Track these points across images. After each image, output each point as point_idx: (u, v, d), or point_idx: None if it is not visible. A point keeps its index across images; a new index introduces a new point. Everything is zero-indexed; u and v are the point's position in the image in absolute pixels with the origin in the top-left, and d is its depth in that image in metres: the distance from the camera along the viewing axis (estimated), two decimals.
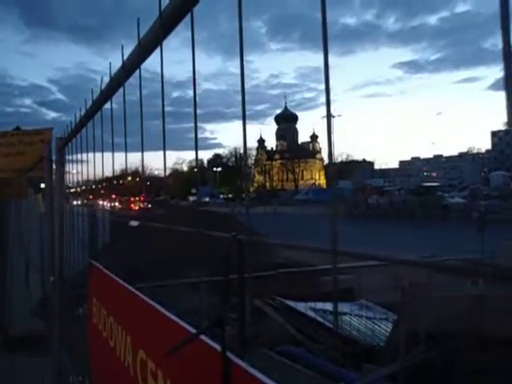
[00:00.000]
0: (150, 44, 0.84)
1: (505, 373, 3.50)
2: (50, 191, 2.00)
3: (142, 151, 1.00)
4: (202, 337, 0.51)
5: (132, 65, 0.93)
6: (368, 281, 6.64)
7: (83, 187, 2.82)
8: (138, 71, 1.02)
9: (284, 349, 4.12)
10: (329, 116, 0.41)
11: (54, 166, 1.99)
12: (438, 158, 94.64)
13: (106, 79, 1.15)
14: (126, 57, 0.97)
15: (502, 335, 3.73)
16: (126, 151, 1.12)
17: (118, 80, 1.02)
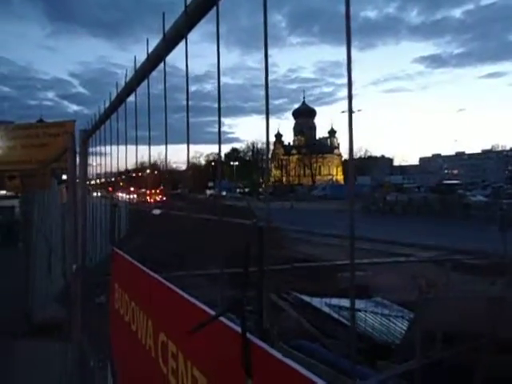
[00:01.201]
0: (174, 37, 0.86)
1: None
2: (73, 182, 2.06)
3: (166, 144, 1.02)
4: (222, 318, 0.53)
5: (157, 57, 0.95)
6: (384, 278, 6.59)
7: (103, 179, 2.89)
8: (161, 64, 1.04)
9: (298, 343, 4.14)
10: (350, 110, 0.42)
11: (77, 158, 2.05)
12: (460, 155, 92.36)
13: (130, 73, 1.18)
14: (149, 50, 1.00)
15: None
16: (149, 144, 1.15)
17: (143, 72, 1.05)
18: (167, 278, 0.85)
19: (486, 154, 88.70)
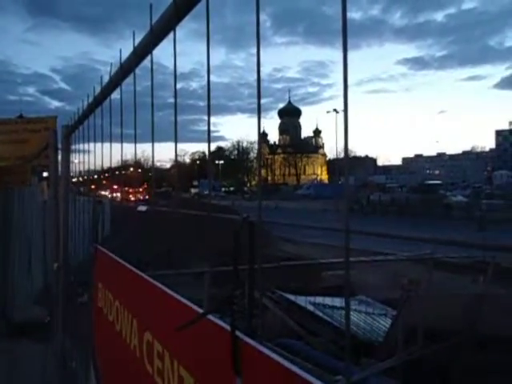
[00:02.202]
0: (162, 28, 0.84)
1: (502, 371, 3.52)
2: (55, 179, 2.01)
3: (153, 142, 1.00)
4: (211, 316, 0.52)
5: (143, 50, 0.93)
6: (367, 277, 6.66)
7: (85, 177, 2.83)
8: (146, 61, 1.02)
9: (283, 342, 4.15)
10: (346, 111, 0.41)
11: (59, 154, 2.00)
12: (441, 155, 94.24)
13: (115, 67, 1.15)
14: (136, 43, 0.98)
15: (501, 334, 3.75)
16: (135, 142, 1.13)
17: (129, 66, 1.03)
18: (152, 277, 0.84)
19: (466, 154, 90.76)
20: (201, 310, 0.56)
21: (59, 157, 1.96)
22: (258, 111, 0.54)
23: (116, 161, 1.66)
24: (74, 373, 1.66)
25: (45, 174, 4.79)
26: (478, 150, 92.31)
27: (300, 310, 5.42)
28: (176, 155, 0.90)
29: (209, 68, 0.66)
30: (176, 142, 0.81)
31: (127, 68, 1.03)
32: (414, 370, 3.63)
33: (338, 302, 5.63)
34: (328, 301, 5.50)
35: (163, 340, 0.70)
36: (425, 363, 3.76)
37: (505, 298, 4.55)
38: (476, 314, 4.02)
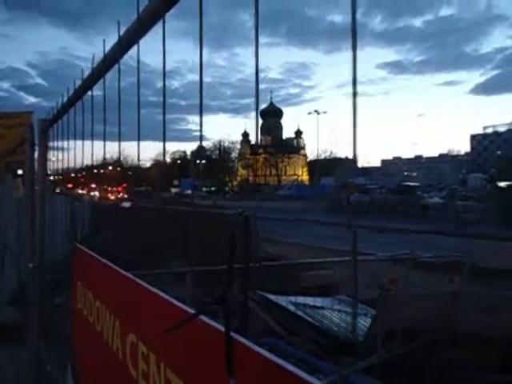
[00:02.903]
0: (150, 18, 0.81)
1: (477, 368, 3.61)
2: (31, 175, 1.94)
3: (139, 140, 0.97)
4: (201, 316, 0.50)
5: (129, 40, 0.90)
6: (347, 277, 6.73)
7: (61, 176, 2.74)
8: (127, 55, 0.99)
9: (264, 341, 4.14)
10: (355, 111, 0.40)
11: (36, 150, 1.93)
12: (418, 158, 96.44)
13: (96, 60, 1.11)
14: (120, 35, 0.94)
15: (476, 331, 3.84)
16: (119, 139, 1.09)
17: (113, 57, 0.99)
18: (136, 276, 0.81)
19: (443, 157, 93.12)
20: (189, 310, 0.54)
21: (36, 153, 1.89)
22: (256, 109, 0.52)
23: (95, 159, 1.61)
24: (50, 377, 1.59)
25: (19, 172, 4.63)
26: (454, 153, 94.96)
27: (281, 310, 5.43)
28: (164, 154, 0.87)
29: (201, 66, 0.64)
30: (164, 143, 0.79)
31: (111, 59, 0.99)
32: (393, 368, 3.68)
33: (318, 301, 5.67)
34: (309, 301, 5.53)
35: (149, 342, 0.67)
36: (403, 361, 3.82)
37: (479, 297, 4.67)
38: (452, 313, 4.11)
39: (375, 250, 6.90)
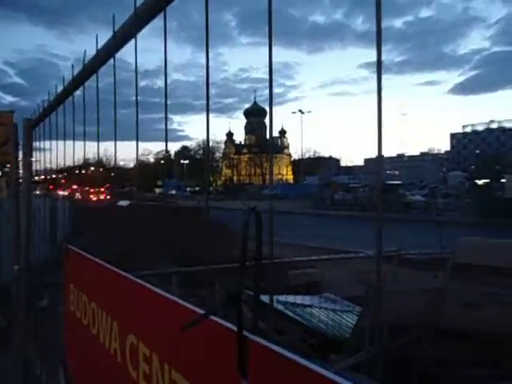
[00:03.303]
0: (147, 12, 0.80)
1: (462, 363, 3.69)
2: (15, 175, 1.88)
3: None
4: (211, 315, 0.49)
5: (125, 34, 0.88)
6: (332, 274, 6.79)
7: (42, 177, 2.69)
8: (109, 56, 0.97)
9: None
10: (380, 108, 0.40)
11: (19, 150, 1.88)
12: (400, 157, 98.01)
13: (86, 57, 1.09)
14: (114, 30, 0.92)
15: (460, 327, 3.93)
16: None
17: (107, 51, 0.96)
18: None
19: (424, 156, 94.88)
20: (195, 309, 0.53)
21: (20, 152, 1.84)
22: (270, 106, 0.51)
23: (76, 159, 1.58)
24: (39, 380, 1.55)
25: None
26: (435, 151, 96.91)
27: (268, 308, 5.44)
28: (167, 149, 0.86)
29: (207, 71, 0.63)
30: (167, 143, 0.77)
31: (105, 55, 0.96)
32: (381, 363, 3.73)
33: (306, 300, 5.69)
34: (297, 299, 5.56)
35: (151, 342, 0.66)
36: (389, 357, 3.88)
37: (462, 292, 4.78)
38: (437, 308, 4.19)
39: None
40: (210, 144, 79.77)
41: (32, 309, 1.86)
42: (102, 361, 0.84)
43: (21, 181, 1.89)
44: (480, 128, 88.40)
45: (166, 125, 0.72)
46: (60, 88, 1.31)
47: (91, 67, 0.99)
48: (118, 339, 0.79)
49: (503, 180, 29.45)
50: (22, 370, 1.70)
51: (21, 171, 1.85)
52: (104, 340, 0.85)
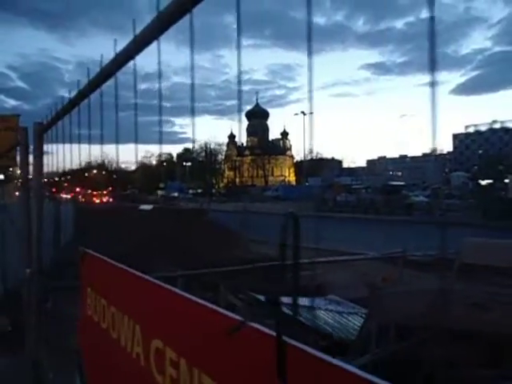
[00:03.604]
0: (171, 15, 0.80)
1: (470, 365, 3.67)
2: (25, 179, 1.89)
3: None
4: (235, 316, 0.49)
5: (148, 37, 0.88)
6: (338, 276, 6.78)
7: (45, 180, 2.70)
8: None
9: None
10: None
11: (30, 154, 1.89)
12: (403, 157, 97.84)
13: (104, 60, 1.09)
14: (135, 34, 0.93)
15: (467, 328, 3.91)
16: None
17: (128, 55, 0.97)
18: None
19: (426, 157, 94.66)
20: (223, 312, 0.53)
21: (30, 157, 1.85)
22: (310, 102, 0.52)
23: (78, 163, 1.59)
24: (49, 382, 1.56)
25: (1, 177, 4.50)
26: (437, 152, 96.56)
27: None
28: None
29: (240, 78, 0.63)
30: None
31: (123, 58, 0.97)
32: (387, 366, 3.71)
33: (310, 302, 5.68)
34: (300, 301, 5.54)
35: (178, 347, 0.66)
36: (397, 359, 3.86)
37: (468, 293, 4.76)
38: (443, 309, 4.17)
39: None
40: (212, 146, 79.76)
41: (43, 311, 1.87)
42: (123, 365, 0.84)
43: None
44: (483, 128, 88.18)
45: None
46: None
47: (109, 70, 0.99)
48: (142, 343, 0.79)
49: (506, 180, 29.35)
50: (35, 374, 1.70)
51: (30, 176, 1.86)
52: (125, 344, 0.85)
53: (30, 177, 1.84)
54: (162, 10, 0.79)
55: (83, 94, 1.19)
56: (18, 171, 2.51)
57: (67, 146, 1.55)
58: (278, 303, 0.44)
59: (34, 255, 1.77)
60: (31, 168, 1.90)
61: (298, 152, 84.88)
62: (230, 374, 0.54)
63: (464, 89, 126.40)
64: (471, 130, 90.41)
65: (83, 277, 1.17)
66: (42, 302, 2.03)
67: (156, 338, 0.73)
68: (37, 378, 1.63)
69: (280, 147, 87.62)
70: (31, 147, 1.89)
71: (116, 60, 0.91)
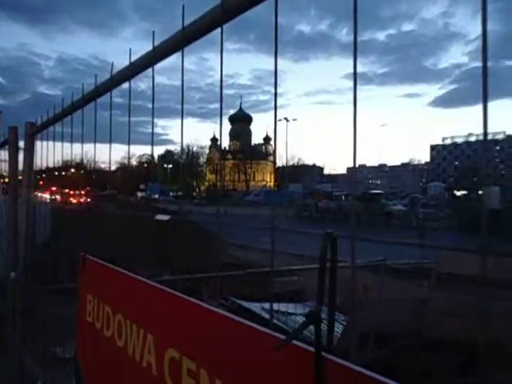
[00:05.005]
0: (204, 28, 0.80)
1: (445, 371, 3.77)
2: (14, 179, 1.85)
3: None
4: (269, 331, 0.49)
5: (140, 68, 0.88)
6: (315, 282, 6.83)
7: (20, 178, 2.65)
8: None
9: None
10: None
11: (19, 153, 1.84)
12: (382, 166, 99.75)
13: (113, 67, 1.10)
14: (154, 45, 0.93)
15: (444, 335, 4.02)
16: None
17: (145, 64, 0.97)
18: None
19: (405, 166, 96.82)
20: (240, 320, 0.54)
21: (20, 156, 1.81)
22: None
23: (56, 161, 1.58)
24: (34, 381, 1.51)
25: None
26: (415, 162, 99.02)
27: (254, 316, 5.42)
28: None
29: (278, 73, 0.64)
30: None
31: (141, 65, 0.97)
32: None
33: (290, 308, 5.70)
34: (281, 307, 5.56)
35: (198, 357, 0.65)
36: (375, 366, 3.92)
37: (446, 302, 4.90)
38: (421, 317, 4.28)
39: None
40: (194, 149, 79.34)
41: (28, 315, 1.82)
42: (131, 374, 0.83)
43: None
44: (459, 140, 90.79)
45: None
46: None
47: (105, 88, 1.00)
48: (154, 352, 0.78)
49: (480, 192, 30.23)
50: (17, 372, 1.65)
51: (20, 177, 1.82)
52: (133, 353, 0.84)
53: (20, 177, 1.80)
54: (157, 46, 0.82)
55: (77, 106, 1.19)
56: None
57: (49, 143, 1.53)
58: (320, 319, 0.46)
59: (20, 257, 1.73)
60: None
61: (280, 157, 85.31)
62: None
63: (442, 101, 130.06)
64: (448, 141, 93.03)
65: (82, 283, 1.14)
66: (27, 304, 1.98)
67: (170, 347, 0.72)
68: (20, 377, 1.59)
69: (262, 152, 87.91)
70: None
71: (112, 79, 0.92)
